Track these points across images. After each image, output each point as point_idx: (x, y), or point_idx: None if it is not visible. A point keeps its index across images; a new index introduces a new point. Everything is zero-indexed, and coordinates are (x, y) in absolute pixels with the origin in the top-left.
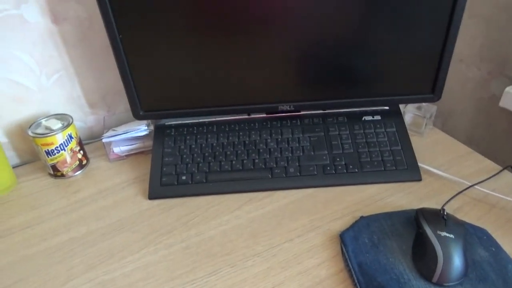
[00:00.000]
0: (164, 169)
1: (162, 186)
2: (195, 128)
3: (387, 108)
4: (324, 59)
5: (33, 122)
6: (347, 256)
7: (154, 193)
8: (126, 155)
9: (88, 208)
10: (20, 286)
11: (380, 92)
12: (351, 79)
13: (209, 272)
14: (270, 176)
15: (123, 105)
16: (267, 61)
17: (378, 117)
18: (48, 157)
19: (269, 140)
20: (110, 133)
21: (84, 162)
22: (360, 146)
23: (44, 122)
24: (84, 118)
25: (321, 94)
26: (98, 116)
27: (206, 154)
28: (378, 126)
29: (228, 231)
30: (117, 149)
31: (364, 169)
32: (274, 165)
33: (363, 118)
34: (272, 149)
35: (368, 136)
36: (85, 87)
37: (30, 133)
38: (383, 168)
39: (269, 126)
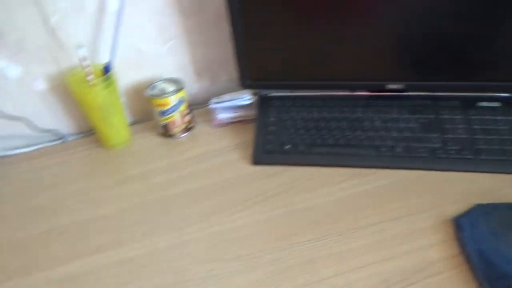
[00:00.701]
0: (268, 137)
1: (265, 153)
2: (298, 100)
3: (507, 95)
4: (440, 38)
5: (150, 84)
6: (464, 242)
7: (258, 159)
8: (228, 122)
9: (196, 167)
10: (140, 227)
11: (501, 77)
12: (469, 61)
13: (316, 237)
14: (376, 154)
15: (225, 75)
16: (378, 37)
17: (496, 104)
18: (162, 117)
19: (375, 118)
20: (216, 100)
21: (191, 125)
22: (476, 133)
23: (159, 84)
24: (189, 85)
25: (434, 75)
26: (201, 84)
27: (310, 127)
28: (498, 113)
29: (332, 202)
30: (221, 116)
31: (480, 156)
32: (381, 144)
33: (478, 104)
34: (378, 127)
35: (487, 123)
36: (193, 56)
37: (147, 93)
38: (503, 158)
39: (374, 104)
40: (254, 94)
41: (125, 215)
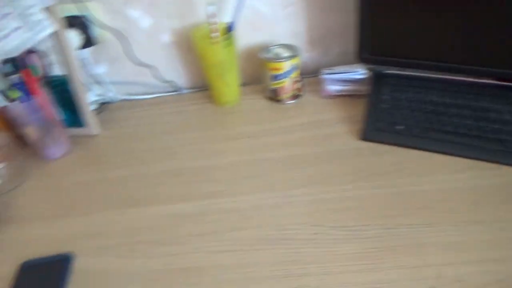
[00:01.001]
0: (380, 114)
1: (375, 131)
2: (416, 81)
3: None
4: None
5: (265, 48)
6: None
7: (367, 135)
8: (337, 95)
9: (301, 134)
10: (248, 182)
11: None
12: None
13: (426, 222)
14: (501, 149)
15: (338, 48)
16: None
17: None
18: (273, 81)
19: (503, 110)
20: (327, 71)
21: (299, 93)
22: None
23: (274, 49)
24: (301, 54)
25: None
26: (312, 54)
27: (427, 110)
28: None
29: (445, 190)
30: (331, 87)
31: None
32: (508, 138)
33: None
34: (506, 121)
35: None
36: (309, 25)
37: (263, 56)
38: None
39: (504, 94)
40: (368, 69)
41: (234, 169)
